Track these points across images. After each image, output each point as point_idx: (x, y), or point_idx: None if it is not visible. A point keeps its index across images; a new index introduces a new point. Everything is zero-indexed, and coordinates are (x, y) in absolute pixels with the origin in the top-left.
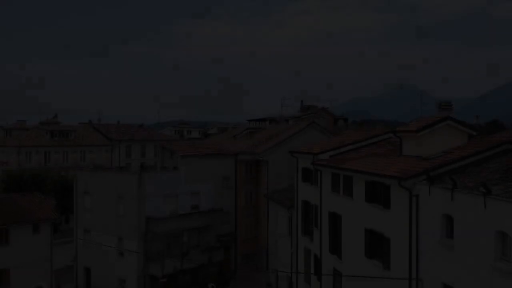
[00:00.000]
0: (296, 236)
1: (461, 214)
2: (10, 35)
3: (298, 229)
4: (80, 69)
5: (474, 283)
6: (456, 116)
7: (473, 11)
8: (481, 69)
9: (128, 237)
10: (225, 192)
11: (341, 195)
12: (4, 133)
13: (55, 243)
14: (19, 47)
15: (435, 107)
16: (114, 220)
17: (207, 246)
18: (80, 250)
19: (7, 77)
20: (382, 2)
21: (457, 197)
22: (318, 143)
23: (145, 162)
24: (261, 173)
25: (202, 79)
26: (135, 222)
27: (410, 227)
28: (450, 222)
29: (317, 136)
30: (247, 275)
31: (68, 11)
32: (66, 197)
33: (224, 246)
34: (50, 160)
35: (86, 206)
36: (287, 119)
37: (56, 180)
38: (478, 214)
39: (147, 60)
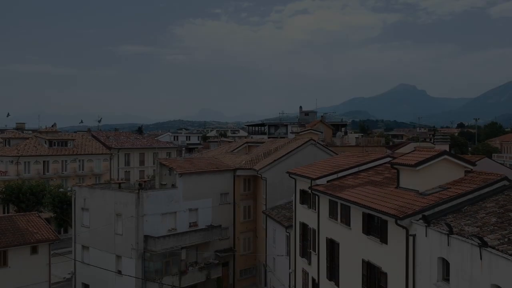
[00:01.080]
0: (294, 256)
1: (458, 261)
2: (7, 34)
3: (296, 250)
4: (79, 69)
5: None
6: (455, 116)
7: (473, 11)
8: (480, 69)
9: (126, 255)
10: (223, 207)
11: (338, 223)
12: (2, 142)
13: (53, 254)
14: (16, 47)
15: (434, 105)
16: (112, 237)
17: (205, 262)
18: (79, 266)
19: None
20: (382, 2)
21: (453, 243)
22: (316, 162)
23: (144, 171)
24: (259, 188)
25: (201, 79)
26: (133, 240)
27: (407, 265)
28: (446, 265)
29: (316, 153)
30: None
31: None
32: (64, 210)
33: (222, 262)
34: (49, 169)
35: (84, 223)
36: (286, 124)
37: (55, 194)
38: (474, 263)
39: (145, 60)
